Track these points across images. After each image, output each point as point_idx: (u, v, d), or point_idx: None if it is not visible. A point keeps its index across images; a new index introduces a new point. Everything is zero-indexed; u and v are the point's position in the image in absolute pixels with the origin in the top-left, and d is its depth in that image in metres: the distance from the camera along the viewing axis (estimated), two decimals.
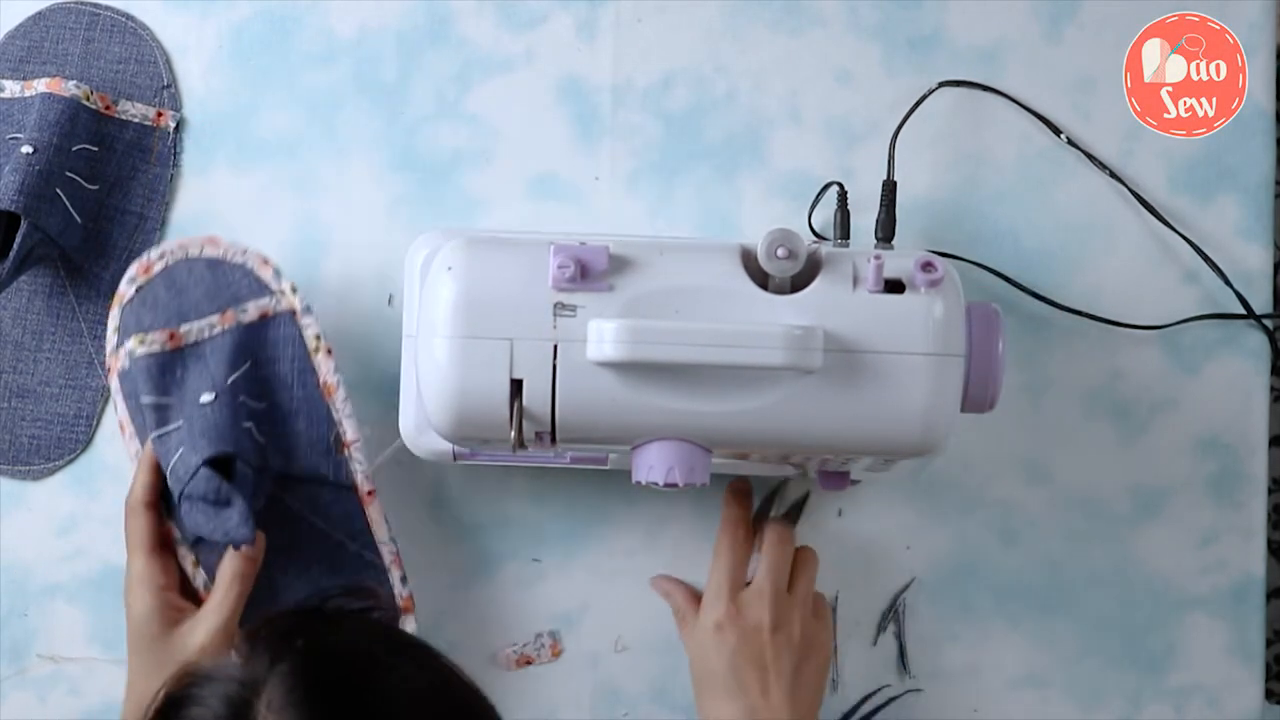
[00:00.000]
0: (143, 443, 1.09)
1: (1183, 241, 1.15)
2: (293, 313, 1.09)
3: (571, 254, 0.93)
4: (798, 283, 0.95)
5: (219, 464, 1.05)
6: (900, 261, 0.95)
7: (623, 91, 1.16)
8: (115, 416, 1.11)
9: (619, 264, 0.94)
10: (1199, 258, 1.15)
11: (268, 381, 1.09)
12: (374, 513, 1.10)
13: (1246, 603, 1.15)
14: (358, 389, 1.14)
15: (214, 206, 1.16)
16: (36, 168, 1.10)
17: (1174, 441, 1.16)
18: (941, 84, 1.15)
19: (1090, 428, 1.16)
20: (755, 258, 0.94)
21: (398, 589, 1.11)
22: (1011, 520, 1.16)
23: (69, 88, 1.13)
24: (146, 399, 1.07)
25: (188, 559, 1.09)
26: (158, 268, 1.09)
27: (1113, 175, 1.16)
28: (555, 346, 0.93)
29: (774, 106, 1.16)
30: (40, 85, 1.14)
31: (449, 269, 0.94)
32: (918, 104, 1.14)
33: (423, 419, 1.05)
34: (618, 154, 1.16)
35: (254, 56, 1.17)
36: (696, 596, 1.11)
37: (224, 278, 1.09)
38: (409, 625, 1.11)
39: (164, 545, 1.07)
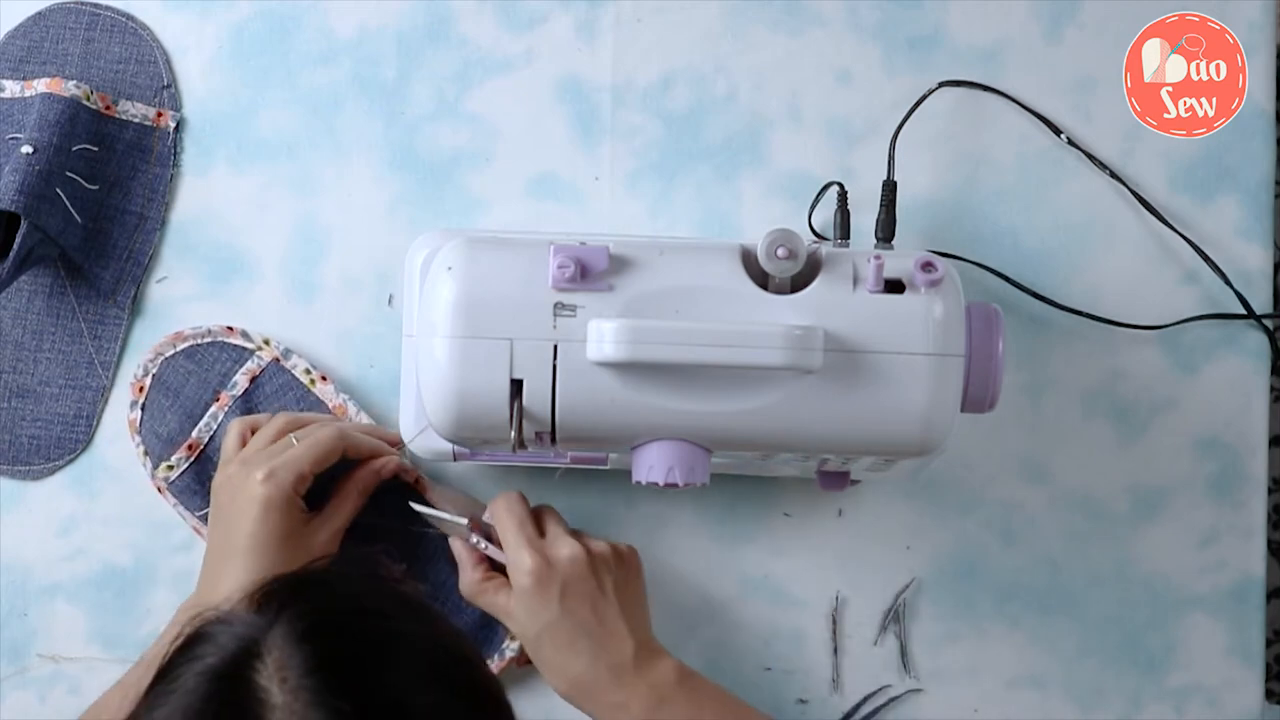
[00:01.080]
0: None
1: (1183, 241, 1.15)
2: (276, 361, 1.13)
3: (571, 254, 0.93)
4: (798, 283, 0.95)
5: None
6: (900, 261, 0.95)
7: (623, 91, 1.16)
8: (187, 526, 1.15)
9: (619, 264, 0.94)
10: (1199, 258, 1.15)
11: None
12: (433, 496, 1.11)
13: (1246, 603, 1.15)
14: (358, 389, 1.14)
15: (214, 206, 1.16)
16: (36, 168, 1.10)
17: (1174, 441, 1.16)
18: (941, 84, 1.15)
19: (1090, 428, 1.16)
20: (755, 258, 0.94)
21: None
22: (1011, 520, 1.16)
23: (69, 88, 1.13)
24: (204, 512, 1.12)
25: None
26: (148, 382, 1.14)
27: (1113, 175, 1.16)
28: (555, 346, 0.93)
29: (774, 106, 1.16)
30: (40, 85, 1.14)
31: (449, 269, 0.94)
32: (918, 104, 1.14)
33: (423, 419, 1.05)
34: (618, 154, 1.16)
35: (254, 56, 1.17)
36: (491, 567, 1.08)
37: (205, 360, 1.13)
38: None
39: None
